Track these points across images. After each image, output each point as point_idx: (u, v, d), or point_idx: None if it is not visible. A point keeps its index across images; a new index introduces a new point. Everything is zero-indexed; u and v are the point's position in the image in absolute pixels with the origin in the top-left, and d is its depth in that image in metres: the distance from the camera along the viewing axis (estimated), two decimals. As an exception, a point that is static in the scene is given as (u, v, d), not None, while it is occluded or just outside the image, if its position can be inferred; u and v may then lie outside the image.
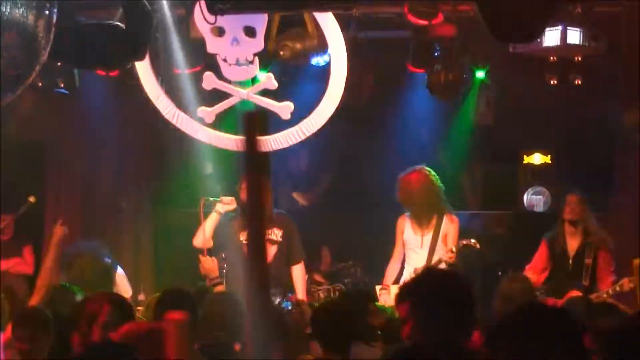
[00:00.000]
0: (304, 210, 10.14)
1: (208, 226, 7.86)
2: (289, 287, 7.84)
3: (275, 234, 7.80)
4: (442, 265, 7.71)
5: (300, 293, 7.82)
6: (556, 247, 8.05)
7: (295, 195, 10.48)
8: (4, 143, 8.45)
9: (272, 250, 7.65)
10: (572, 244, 8.01)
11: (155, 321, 5.15)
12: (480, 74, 8.61)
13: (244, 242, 7.59)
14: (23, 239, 9.20)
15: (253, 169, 2.95)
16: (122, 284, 7.66)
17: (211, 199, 7.93)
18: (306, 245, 8.11)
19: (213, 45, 7.92)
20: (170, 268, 9.32)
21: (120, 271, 7.72)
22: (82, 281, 6.69)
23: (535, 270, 8.01)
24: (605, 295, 7.53)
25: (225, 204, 7.86)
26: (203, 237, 7.81)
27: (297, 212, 8.11)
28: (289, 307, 5.99)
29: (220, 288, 7.25)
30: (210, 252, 7.74)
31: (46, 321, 5.30)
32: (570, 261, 7.99)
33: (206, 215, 7.92)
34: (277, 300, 7.37)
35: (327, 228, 10.18)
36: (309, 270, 8.54)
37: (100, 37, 6.99)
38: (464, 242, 7.92)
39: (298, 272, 7.92)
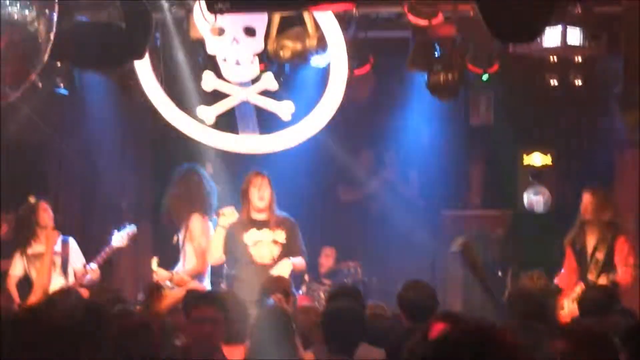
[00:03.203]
0: (305, 209, 10.14)
1: (218, 243, 7.81)
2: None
3: (280, 235, 7.72)
4: None
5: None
6: (577, 246, 7.97)
7: (342, 188, 10.50)
8: (4, 143, 8.45)
9: (276, 251, 7.63)
10: (591, 241, 7.95)
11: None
12: (480, 75, 8.60)
13: (247, 243, 7.64)
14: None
15: None
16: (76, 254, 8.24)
17: (214, 217, 7.93)
18: (309, 244, 8.09)
19: (213, 45, 7.92)
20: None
21: (73, 243, 8.26)
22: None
23: (565, 278, 7.95)
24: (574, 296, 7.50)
25: (227, 216, 7.82)
26: (215, 254, 7.84)
27: (299, 212, 8.08)
28: (272, 305, 5.98)
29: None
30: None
31: None
32: (589, 258, 7.92)
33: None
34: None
35: (330, 227, 10.20)
36: (309, 270, 8.53)
37: (100, 37, 7.00)
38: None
39: (297, 261, 7.80)
